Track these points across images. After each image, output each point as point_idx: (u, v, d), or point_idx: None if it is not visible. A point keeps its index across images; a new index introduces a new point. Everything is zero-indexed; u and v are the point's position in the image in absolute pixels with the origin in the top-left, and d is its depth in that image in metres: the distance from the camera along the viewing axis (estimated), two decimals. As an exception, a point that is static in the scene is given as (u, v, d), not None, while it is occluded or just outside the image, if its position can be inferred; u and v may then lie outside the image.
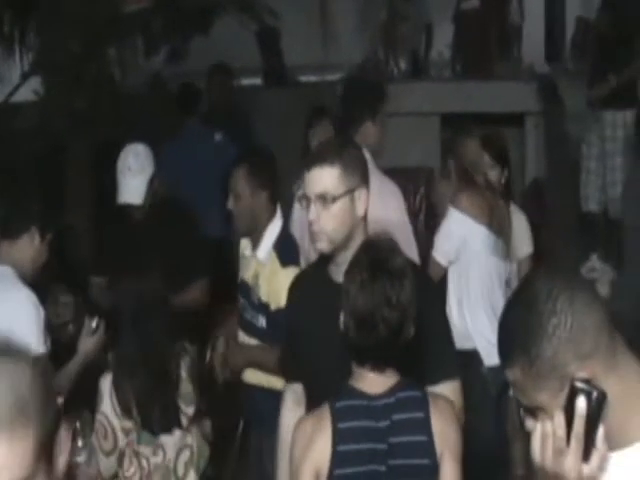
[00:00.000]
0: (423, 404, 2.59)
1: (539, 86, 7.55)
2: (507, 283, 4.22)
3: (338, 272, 2.83)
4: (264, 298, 3.60)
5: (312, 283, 3.03)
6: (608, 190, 6.45)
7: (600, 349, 1.68)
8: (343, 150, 2.90)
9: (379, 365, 2.56)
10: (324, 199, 2.80)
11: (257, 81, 8.42)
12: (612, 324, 1.72)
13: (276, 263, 3.59)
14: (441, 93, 7.46)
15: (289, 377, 3.13)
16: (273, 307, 3.55)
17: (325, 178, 2.81)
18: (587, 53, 7.13)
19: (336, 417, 2.54)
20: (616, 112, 6.51)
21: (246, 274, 3.75)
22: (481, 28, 8.22)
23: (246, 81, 8.10)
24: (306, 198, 2.84)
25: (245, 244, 3.80)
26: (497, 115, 6.67)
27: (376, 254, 2.60)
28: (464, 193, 4.20)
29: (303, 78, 8.06)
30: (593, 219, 6.63)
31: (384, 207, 3.86)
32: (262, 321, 3.64)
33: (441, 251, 4.18)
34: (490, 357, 3.99)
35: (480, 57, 8.22)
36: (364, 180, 2.88)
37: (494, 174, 4.46)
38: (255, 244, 3.70)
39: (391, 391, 2.57)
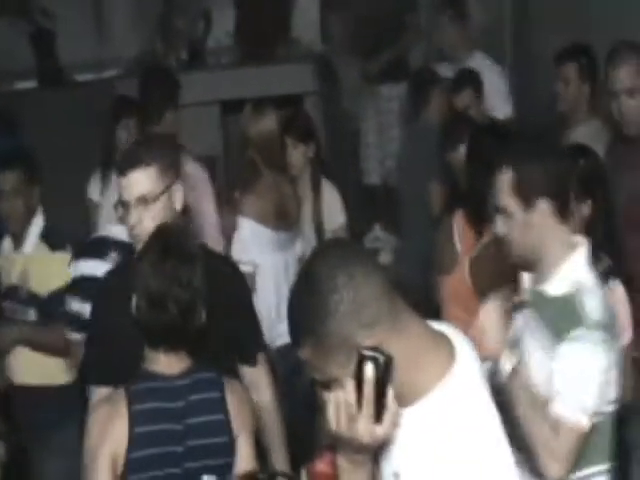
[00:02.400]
0: (218, 384, 2.67)
1: (316, 66, 7.70)
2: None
3: None
4: (34, 289, 3.75)
5: (120, 287, 2.96)
6: (386, 162, 6.68)
7: (383, 315, 1.78)
8: (155, 147, 2.93)
9: (172, 347, 2.61)
10: (144, 201, 2.79)
11: (33, 84, 8.21)
12: (393, 289, 1.83)
13: (45, 250, 3.80)
14: (220, 81, 7.49)
15: (96, 380, 3.02)
16: (44, 294, 3.73)
17: (143, 180, 2.80)
18: (361, 30, 7.31)
19: (132, 400, 2.57)
20: (391, 86, 6.73)
21: (11, 276, 3.85)
22: (259, 12, 8.30)
23: (22, 85, 7.90)
24: (124, 203, 2.82)
25: (7, 247, 3.93)
26: (276, 98, 6.76)
27: (168, 237, 2.66)
28: (248, 199, 4.27)
29: (79, 77, 7.89)
30: (374, 191, 6.87)
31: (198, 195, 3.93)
32: (32, 314, 3.78)
33: (244, 262, 4.22)
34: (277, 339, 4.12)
35: (259, 42, 8.30)
36: (178, 173, 2.92)
37: (299, 152, 4.54)
38: (17, 244, 3.86)
39: (187, 372, 2.63)
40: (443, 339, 1.92)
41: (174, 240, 2.66)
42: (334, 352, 1.78)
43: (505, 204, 2.66)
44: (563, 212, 2.67)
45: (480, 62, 5.79)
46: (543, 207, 2.64)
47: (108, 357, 2.92)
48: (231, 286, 3.07)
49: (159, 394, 2.61)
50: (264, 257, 4.33)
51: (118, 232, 3.36)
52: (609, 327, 2.61)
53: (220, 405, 2.66)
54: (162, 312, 2.57)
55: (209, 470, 2.60)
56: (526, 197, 2.62)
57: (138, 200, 2.81)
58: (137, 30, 8.86)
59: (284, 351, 4.06)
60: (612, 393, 2.68)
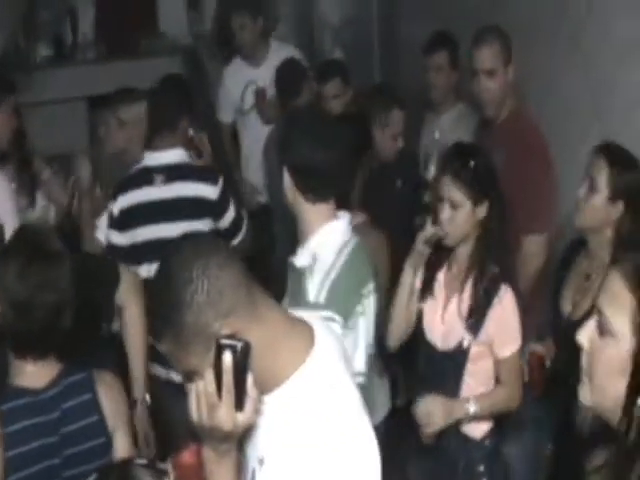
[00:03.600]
0: (89, 385, 2.59)
1: (183, 59, 7.66)
2: None
3: None
4: None
5: None
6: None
7: (240, 304, 1.79)
8: None
9: (41, 354, 2.51)
10: None
11: None
12: (249, 277, 1.85)
13: None
14: (87, 76, 7.37)
15: None
16: None
17: None
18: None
19: (3, 421, 2.45)
20: None
21: None
22: (123, 7, 8.21)
23: None
24: None
25: None
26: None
27: (31, 238, 2.55)
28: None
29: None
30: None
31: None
32: None
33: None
34: None
35: (124, 36, 8.21)
36: None
37: None
38: None
39: (56, 380, 2.54)
40: (302, 325, 1.95)
41: (38, 241, 2.55)
42: (193, 343, 1.79)
43: None
44: (304, 188, 2.89)
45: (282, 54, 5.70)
46: (286, 179, 2.92)
47: None
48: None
49: (31, 410, 2.50)
50: None
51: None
52: (326, 306, 2.79)
53: (93, 406, 2.60)
54: (30, 319, 2.46)
55: (90, 473, 2.53)
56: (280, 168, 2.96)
57: None
58: (1, 26, 8.64)
59: None
60: (356, 366, 2.80)
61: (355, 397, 1.96)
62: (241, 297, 1.80)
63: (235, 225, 4.17)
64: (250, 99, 5.85)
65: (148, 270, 3.83)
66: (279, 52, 5.71)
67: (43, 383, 2.53)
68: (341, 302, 2.82)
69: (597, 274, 3.27)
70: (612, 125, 3.99)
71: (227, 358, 1.74)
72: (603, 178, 3.23)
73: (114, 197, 4.07)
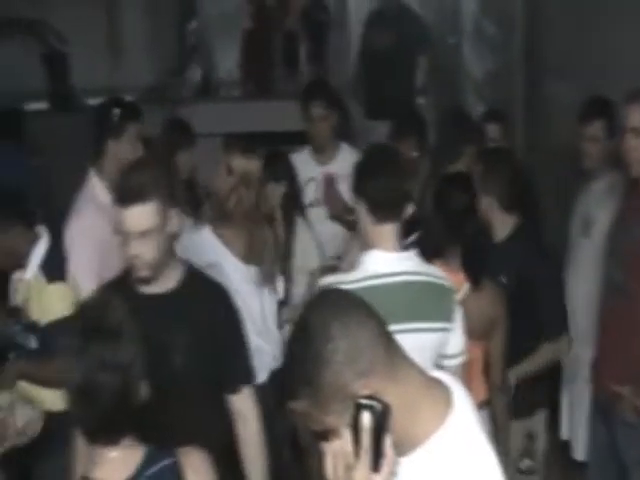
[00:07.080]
0: (175, 470, 2.35)
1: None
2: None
3: None
4: (34, 316, 3.70)
5: None
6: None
7: (378, 363, 1.77)
8: (154, 175, 2.99)
9: (112, 439, 2.30)
10: (144, 234, 2.92)
11: (44, 106, 8.27)
12: (388, 336, 1.82)
13: (42, 281, 3.71)
14: (227, 114, 7.50)
15: None
16: (43, 323, 3.66)
17: (144, 215, 2.92)
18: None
19: None
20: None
21: (17, 298, 3.80)
22: (263, 47, 8.37)
23: (33, 106, 7.94)
24: (124, 233, 2.93)
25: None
26: (280, 134, 6.76)
27: (88, 314, 2.36)
28: (225, 224, 4.13)
29: (91, 101, 7.92)
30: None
31: None
32: (33, 342, 3.72)
33: None
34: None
35: (265, 76, 8.37)
36: (175, 200, 3.05)
37: (276, 191, 4.47)
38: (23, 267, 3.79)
39: (139, 473, 2.30)
40: (439, 386, 1.91)
41: (96, 315, 2.32)
42: (330, 402, 1.77)
43: None
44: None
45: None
46: None
47: None
48: (218, 314, 3.17)
49: None
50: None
51: None
52: None
53: None
54: (92, 401, 2.24)
55: None
56: None
57: (139, 233, 2.91)
58: (151, 58, 8.92)
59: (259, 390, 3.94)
60: None
61: (493, 463, 1.90)
62: (379, 356, 1.78)
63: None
64: (310, 194, 5.15)
65: None
66: (347, 155, 5.16)
67: (122, 476, 2.29)
68: None
69: None
70: None
71: (366, 419, 1.72)
72: None
73: None
